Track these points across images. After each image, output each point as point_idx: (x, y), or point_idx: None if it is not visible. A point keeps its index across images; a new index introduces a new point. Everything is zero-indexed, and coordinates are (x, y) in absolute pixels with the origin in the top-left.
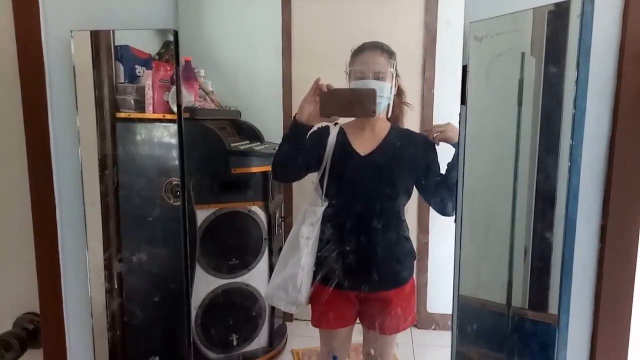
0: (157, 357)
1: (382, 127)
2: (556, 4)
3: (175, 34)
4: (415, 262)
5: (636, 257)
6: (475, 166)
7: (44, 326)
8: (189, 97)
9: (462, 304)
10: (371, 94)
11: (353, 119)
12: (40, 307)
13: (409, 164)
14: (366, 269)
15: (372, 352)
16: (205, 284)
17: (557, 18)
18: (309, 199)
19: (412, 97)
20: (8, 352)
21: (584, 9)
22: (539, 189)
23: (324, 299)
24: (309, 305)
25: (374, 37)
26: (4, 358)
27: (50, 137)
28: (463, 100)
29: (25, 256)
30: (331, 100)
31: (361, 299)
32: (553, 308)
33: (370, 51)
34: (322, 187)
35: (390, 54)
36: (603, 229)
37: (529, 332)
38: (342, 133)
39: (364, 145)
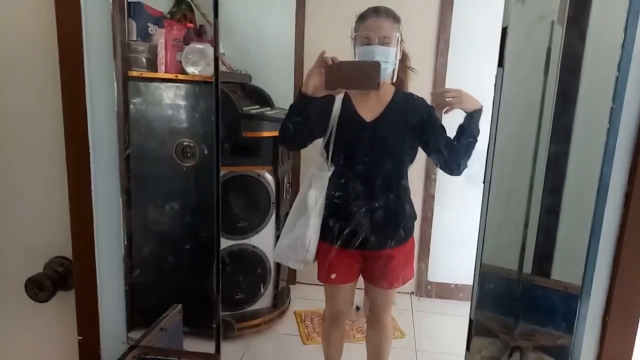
0: (180, 305)
1: (386, 92)
2: None
3: None
4: (415, 222)
5: None
6: (505, 129)
7: (76, 267)
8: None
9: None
10: (375, 67)
11: None
12: (73, 250)
13: (414, 128)
14: (370, 228)
15: (374, 305)
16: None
17: None
18: (315, 164)
19: (425, 64)
20: (41, 291)
21: None
22: (552, 156)
23: (330, 257)
24: (315, 263)
25: (389, 3)
26: (37, 297)
27: (85, 79)
28: (500, 63)
29: (57, 202)
30: (336, 73)
31: (365, 256)
32: (556, 274)
33: (376, 16)
34: (328, 152)
35: (395, 18)
36: (627, 196)
37: (535, 297)
38: (347, 99)
39: (369, 111)
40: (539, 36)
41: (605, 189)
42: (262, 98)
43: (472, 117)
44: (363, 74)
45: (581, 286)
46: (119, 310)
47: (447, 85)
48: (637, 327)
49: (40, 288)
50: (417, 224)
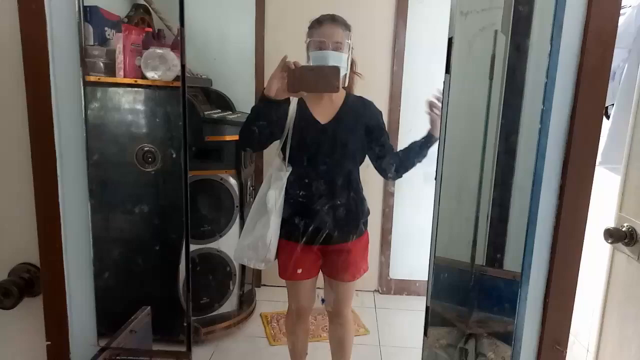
0: (149, 307)
1: (338, 95)
2: None
3: None
4: (368, 217)
5: (587, 214)
6: (454, 131)
7: (43, 273)
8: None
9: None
10: (335, 71)
11: None
12: (40, 255)
13: (364, 129)
14: (328, 224)
15: (335, 299)
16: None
17: None
18: (273, 165)
19: (382, 71)
20: (7, 298)
21: None
22: (501, 156)
23: (290, 254)
24: (276, 264)
25: (346, 11)
26: (3, 304)
27: (51, 91)
28: (447, 70)
29: (23, 207)
30: (298, 77)
31: (324, 251)
32: (508, 265)
33: (329, 23)
34: (284, 153)
35: (346, 26)
36: (561, 188)
37: (488, 287)
38: (302, 102)
39: (323, 113)
40: (481, 45)
41: (539, 183)
42: (223, 102)
43: (429, 140)
44: (324, 78)
45: (521, 272)
46: (89, 313)
47: (403, 91)
48: (573, 306)
49: (5, 295)
50: (377, 222)
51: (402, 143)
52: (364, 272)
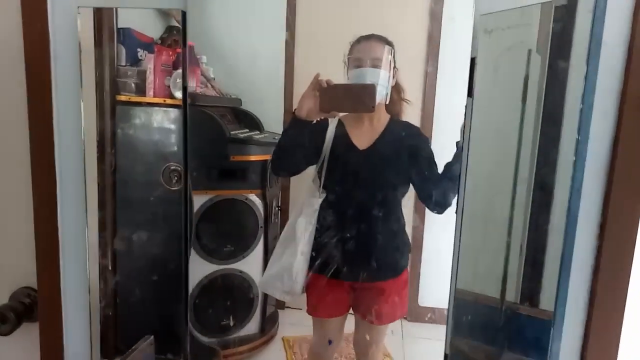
0: (152, 337)
1: (380, 120)
2: None
3: (184, 14)
4: (409, 253)
5: (633, 257)
6: (478, 159)
7: (40, 301)
8: (191, 83)
9: (458, 297)
10: (371, 90)
11: None
12: (38, 282)
13: (407, 158)
14: (362, 259)
15: (364, 340)
16: (199, 269)
17: (565, 13)
18: (306, 190)
19: (414, 91)
20: (4, 324)
21: (596, 3)
22: (538, 185)
23: (319, 288)
24: (303, 294)
25: (379, 30)
26: None
27: (53, 115)
28: (470, 93)
29: (25, 230)
30: (331, 96)
31: (356, 288)
32: (545, 303)
33: (368, 40)
34: (320, 179)
35: (387, 43)
36: (602, 227)
37: (521, 326)
38: (340, 126)
39: (362, 138)
40: (508, 66)
41: (574, 223)
42: (251, 122)
43: (460, 151)
44: (358, 97)
45: (553, 318)
46: (84, 344)
47: (435, 116)
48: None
49: (3, 320)
50: None
51: None
52: (401, 316)
